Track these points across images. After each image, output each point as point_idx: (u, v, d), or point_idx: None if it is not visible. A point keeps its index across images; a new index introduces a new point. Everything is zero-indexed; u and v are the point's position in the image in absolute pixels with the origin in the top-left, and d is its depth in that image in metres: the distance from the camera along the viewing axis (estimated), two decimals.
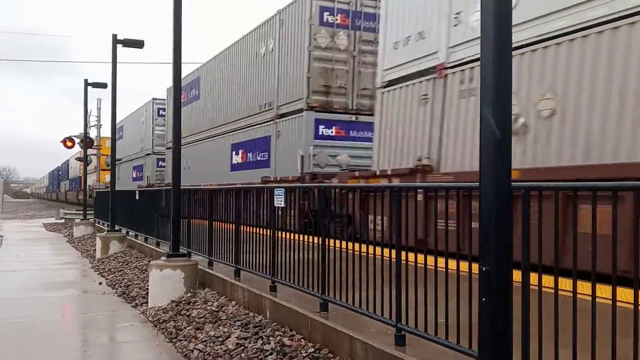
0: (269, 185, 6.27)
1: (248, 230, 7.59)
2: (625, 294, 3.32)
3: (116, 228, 16.44)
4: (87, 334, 7.36)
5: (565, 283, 3.29)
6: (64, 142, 29.06)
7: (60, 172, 76.95)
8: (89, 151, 29.08)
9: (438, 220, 4.50)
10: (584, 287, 3.10)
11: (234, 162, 21.12)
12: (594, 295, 2.95)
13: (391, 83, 11.92)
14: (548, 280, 3.27)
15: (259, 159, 18.74)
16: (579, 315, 3.02)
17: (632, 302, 2.78)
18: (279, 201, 6.52)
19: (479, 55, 3.06)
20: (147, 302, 8.53)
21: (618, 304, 2.90)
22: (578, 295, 3.08)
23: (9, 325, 7.61)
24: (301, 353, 5.14)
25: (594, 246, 2.93)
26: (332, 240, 5.61)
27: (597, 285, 2.98)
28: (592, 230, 2.95)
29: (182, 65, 9.33)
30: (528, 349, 3.20)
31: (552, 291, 3.14)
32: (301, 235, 6.19)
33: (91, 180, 40.02)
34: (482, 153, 3.06)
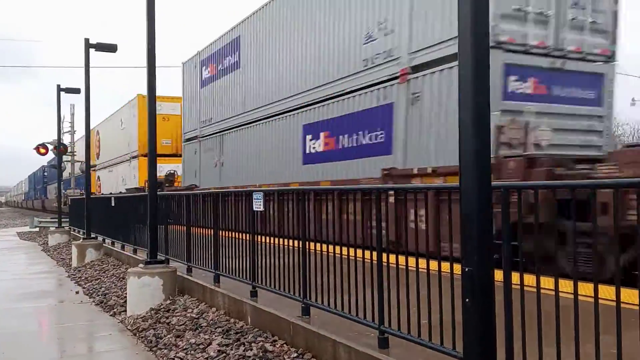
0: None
1: (227, 235, 7.51)
2: (607, 292, 3.35)
3: (92, 236, 16.18)
4: (64, 345, 7.21)
5: (546, 282, 3.31)
6: (37, 149, 28.62)
7: (46, 173, 61.14)
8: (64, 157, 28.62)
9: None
10: (566, 285, 3.12)
11: (311, 150, 14.57)
12: (576, 293, 2.97)
13: None
14: (529, 279, 3.27)
15: (366, 142, 12.41)
16: (561, 313, 3.03)
17: (614, 299, 2.80)
18: (257, 205, 6.47)
19: None
20: (125, 311, 8.39)
21: (601, 301, 2.92)
22: (560, 294, 3.09)
23: None
24: (284, 358, 5.09)
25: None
26: (312, 244, 5.58)
27: (579, 284, 3.00)
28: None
29: (158, 68, 9.19)
30: (512, 347, 3.20)
31: (534, 290, 3.15)
32: (281, 239, 6.14)
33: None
34: (461, 154, 3.05)
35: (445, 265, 3.87)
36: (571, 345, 2.91)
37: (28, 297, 10.38)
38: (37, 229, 29.76)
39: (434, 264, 3.88)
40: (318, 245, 5.46)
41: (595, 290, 2.90)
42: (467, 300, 3.05)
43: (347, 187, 7.57)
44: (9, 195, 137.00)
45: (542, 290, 3.16)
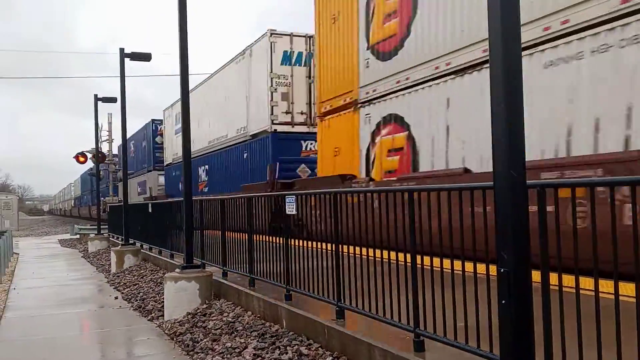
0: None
1: (261, 239, 7.54)
2: None
3: (130, 242, 16.49)
4: (104, 350, 7.34)
5: (585, 282, 3.21)
6: (76, 157, 29.26)
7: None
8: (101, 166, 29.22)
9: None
10: (607, 285, 3.02)
11: None
12: (617, 293, 2.87)
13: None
14: (568, 279, 3.18)
15: None
16: (601, 314, 2.94)
17: None
18: (290, 209, 6.48)
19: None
20: (163, 315, 8.50)
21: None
22: (600, 294, 3.00)
23: (28, 341, 7.62)
24: None
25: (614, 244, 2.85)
26: (346, 247, 5.55)
27: (620, 284, 2.90)
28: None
29: (190, 76, 9.32)
30: (551, 350, 3.12)
31: (573, 290, 3.06)
32: (315, 243, 6.13)
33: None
34: (494, 152, 2.99)
35: (482, 267, 3.79)
36: (613, 348, 2.81)
37: (69, 302, 10.62)
38: (77, 236, 30.45)
39: (470, 266, 3.82)
40: (352, 247, 5.43)
41: (638, 290, 2.80)
42: (503, 301, 2.98)
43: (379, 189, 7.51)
44: (55, 202, 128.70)
45: (581, 291, 3.07)
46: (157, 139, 34.60)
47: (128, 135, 24.91)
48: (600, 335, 2.91)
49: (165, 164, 32.79)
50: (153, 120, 36.30)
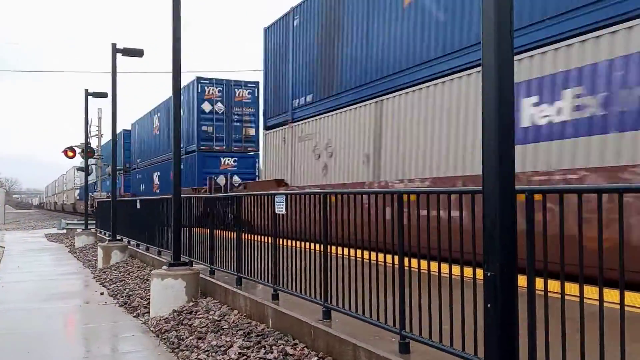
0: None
1: (249, 238, 7.54)
2: (635, 299, 3.26)
3: (118, 237, 16.39)
4: (89, 345, 7.29)
5: (570, 288, 3.24)
6: (65, 152, 29.04)
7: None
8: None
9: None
10: (592, 291, 3.05)
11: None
12: (601, 300, 2.90)
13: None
14: (553, 285, 3.21)
15: None
16: (587, 320, 2.96)
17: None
18: (279, 208, 6.48)
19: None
20: (148, 312, 8.46)
21: (627, 308, 2.84)
22: (585, 300, 3.03)
23: (12, 335, 7.56)
24: None
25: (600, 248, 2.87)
26: (334, 247, 5.56)
27: (605, 290, 2.93)
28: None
29: (183, 74, 9.33)
30: (535, 354, 3.14)
31: (558, 296, 3.09)
32: (303, 243, 6.14)
33: None
34: (484, 157, 3.01)
35: (469, 270, 3.81)
36: (596, 353, 2.84)
37: (54, 297, 10.54)
38: (64, 231, 30.23)
39: (456, 269, 3.84)
40: (339, 248, 5.44)
41: (622, 296, 2.83)
42: (489, 305, 3.00)
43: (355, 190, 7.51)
44: (46, 195, 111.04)
45: (567, 297, 3.09)
46: (204, 106, 25.01)
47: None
48: (584, 340, 2.94)
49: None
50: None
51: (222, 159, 24.62)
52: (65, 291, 11.40)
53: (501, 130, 2.93)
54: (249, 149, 25.00)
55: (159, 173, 30.21)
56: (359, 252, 5.12)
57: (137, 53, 16.70)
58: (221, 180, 22.52)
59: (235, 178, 23.35)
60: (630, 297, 3.72)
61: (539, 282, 3.19)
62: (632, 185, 4.73)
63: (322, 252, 5.60)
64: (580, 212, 3.07)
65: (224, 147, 24.78)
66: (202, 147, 24.40)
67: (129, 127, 39.38)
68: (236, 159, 24.73)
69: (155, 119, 31.54)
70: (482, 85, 2.99)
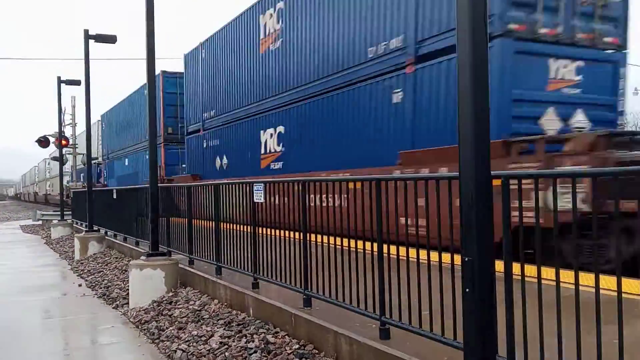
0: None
1: (229, 227, 7.51)
2: (609, 282, 3.32)
3: (95, 228, 16.18)
4: (68, 337, 7.23)
5: (547, 272, 3.29)
6: (38, 141, 28.57)
7: None
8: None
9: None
10: (568, 275, 3.10)
11: None
12: (577, 284, 2.94)
13: None
14: (530, 269, 3.25)
15: None
16: (563, 304, 3.01)
17: (616, 290, 2.78)
18: (258, 197, 6.46)
19: None
20: (128, 303, 8.41)
21: (602, 291, 2.90)
22: (561, 284, 3.07)
23: None
24: (286, 350, 5.09)
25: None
26: (314, 235, 5.56)
27: (581, 274, 2.98)
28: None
29: (157, 60, 9.19)
30: (513, 338, 3.19)
31: (535, 280, 3.13)
32: (283, 231, 6.13)
33: None
34: (460, 142, 3.03)
35: (447, 256, 3.85)
36: (573, 336, 2.89)
37: (31, 290, 10.41)
38: (40, 222, 29.81)
39: (435, 255, 3.86)
40: (319, 236, 5.45)
41: (597, 280, 2.88)
42: (467, 290, 3.03)
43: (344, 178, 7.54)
44: (23, 185, 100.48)
45: (543, 281, 3.14)
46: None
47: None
48: (561, 323, 2.99)
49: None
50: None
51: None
52: (42, 284, 11.25)
53: (477, 117, 2.94)
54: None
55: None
56: (338, 239, 5.13)
57: (110, 39, 16.40)
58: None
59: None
60: (606, 281, 3.79)
61: (516, 267, 3.23)
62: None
63: (301, 240, 5.60)
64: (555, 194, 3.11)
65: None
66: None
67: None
68: None
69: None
70: (458, 74, 3.00)
